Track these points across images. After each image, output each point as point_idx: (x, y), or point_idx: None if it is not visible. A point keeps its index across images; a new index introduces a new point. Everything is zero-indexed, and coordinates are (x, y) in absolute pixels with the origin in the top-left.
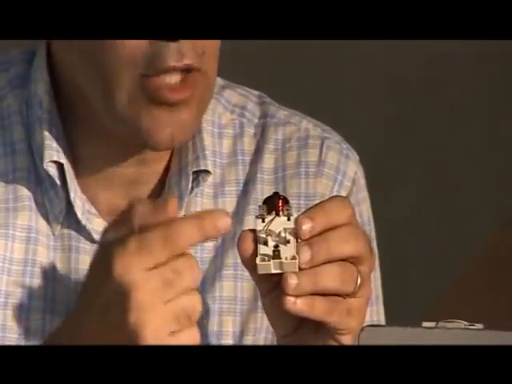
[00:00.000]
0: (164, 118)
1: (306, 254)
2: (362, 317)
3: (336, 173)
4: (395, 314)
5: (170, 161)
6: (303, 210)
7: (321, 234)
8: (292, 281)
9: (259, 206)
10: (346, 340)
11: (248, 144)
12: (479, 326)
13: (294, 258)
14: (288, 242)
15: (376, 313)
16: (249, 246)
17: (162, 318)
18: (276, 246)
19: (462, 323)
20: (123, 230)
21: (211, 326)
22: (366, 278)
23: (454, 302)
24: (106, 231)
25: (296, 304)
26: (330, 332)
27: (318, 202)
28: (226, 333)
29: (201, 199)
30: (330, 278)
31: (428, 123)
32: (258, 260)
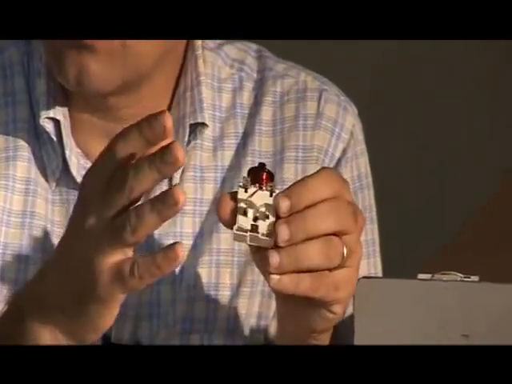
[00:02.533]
0: (69, 57)
1: (283, 233)
2: (352, 285)
3: (334, 125)
4: (392, 266)
5: None
6: (301, 162)
7: (301, 211)
8: (274, 259)
9: (243, 177)
10: (336, 308)
11: (247, 98)
12: (475, 278)
13: (270, 235)
14: (267, 217)
15: (373, 265)
16: (226, 211)
17: (98, 237)
18: (255, 220)
19: (458, 275)
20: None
21: (209, 277)
22: (353, 247)
23: (450, 254)
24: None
25: (280, 281)
26: (320, 303)
27: (315, 154)
28: (223, 285)
29: (200, 153)
30: (313, 254)
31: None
32: (234, 229)
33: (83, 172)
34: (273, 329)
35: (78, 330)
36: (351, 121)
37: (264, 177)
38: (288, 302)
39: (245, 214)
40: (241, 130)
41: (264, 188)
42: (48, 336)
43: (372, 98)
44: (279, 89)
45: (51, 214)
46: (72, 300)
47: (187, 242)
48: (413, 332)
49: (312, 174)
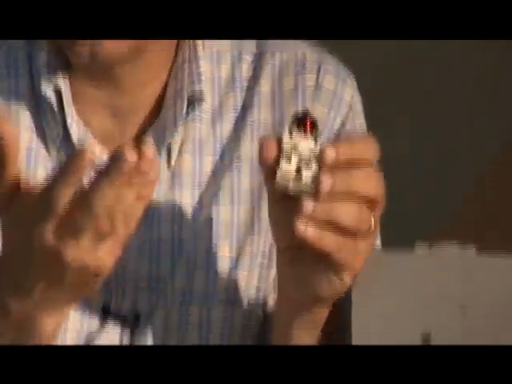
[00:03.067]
0: None
1: (327, 182)
2: (364, 260)
3: (333, 97)
4: (390, 238)
5: (165, 86)
6: None
7: (345, 168)
8: (308, 206)
9: (290, 122)
10: (346, 276)
11: (246, 70)
12: (473, 250)
13: (313, 183)
14: (311, 165)
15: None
16: (271, 155)
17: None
18: (298, 168)
19: (456, 248)
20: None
21: (208, 250)
22: (376, 223)
23: (450, 226)
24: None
25: (307, 231)
26: (331, 266)
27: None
28: (222, 257)
29: (199, 125)
30: (347, 213)
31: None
32: (278, 175)
33: (84, 142)
34: (272, 302)
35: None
36: (350, 93)
37: (308, 124)
38: (293, 261)
39: (288, 160)
40: (240, 102)
41: (308, 136)
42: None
43: (372, 97)
44: (278, 61)
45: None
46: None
47: (186, 214)
48: (411, 304)
49: (356, 137)
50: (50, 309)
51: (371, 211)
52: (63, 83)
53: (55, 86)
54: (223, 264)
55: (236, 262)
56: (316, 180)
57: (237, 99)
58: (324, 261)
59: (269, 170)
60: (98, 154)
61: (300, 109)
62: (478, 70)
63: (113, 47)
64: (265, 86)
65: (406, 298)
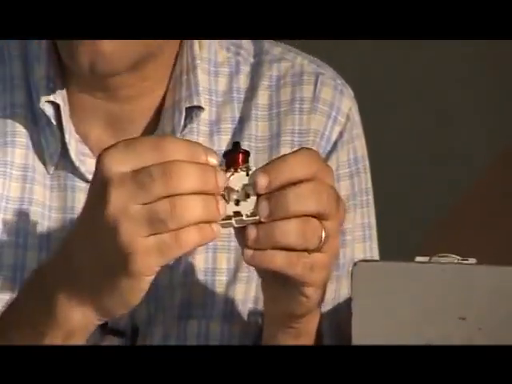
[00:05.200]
0: (82, 41)
1: (264, 209)
2: (327, 271)
3: (330, 109)
4: (389, 249)
5: (164, 98)
6: (297, 146)
7: (280, 188)
8: (251, 233)
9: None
10: (310, 291)
11: (243, 82)
12: (472, 260)
13: (254, 214)
14: (248, 196)
15: (369, 249)
16: None
17: (134, 219)
18: (237, 202)
19: (455, 258)
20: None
21: (206, 262)
22: (332, 234)
23: (446, 237)
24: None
25: (254, 257)
26: (294, 283)
27: (311, 138)
28: (220, 270)
29: (197, 137)
30: (290, 233)
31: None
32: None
33: (82, 157)
34: None
35: (108, 305)
36: (348, 104)
37: (240, 159)
38: (267, 283)
39: (226, 200)
40: (237, 114)
41: (239, 169)
42: (79, 314)
43: (372, 98)
44: (275, 72)
45: (49, 200)
46: (104, 275)
47: None
48: (410, 315)
49: (291, 152)
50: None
51: (319, 224)
52: (61, 96)
53: (54, 100)
54: (221, 277)
55: (234, 275)
56: (255, 209)
57: (234, 111)
58: (287, 281)
59: None
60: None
61: (297, 121)
62: (482, 68)
63: (115, 61)
64: (262, 97)
65: (406, 310)
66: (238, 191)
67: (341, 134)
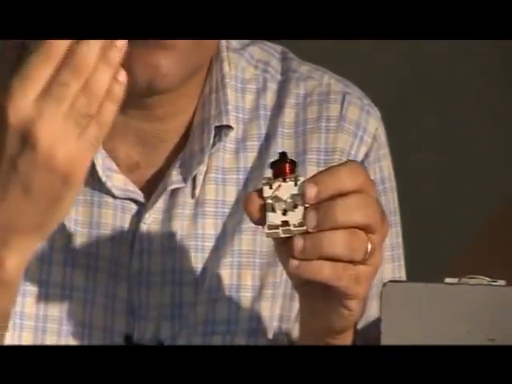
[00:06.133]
0: (141, 56)
1: (312, 220)
2: (369, 284)
3: (356, 128)
4: (417, 269)
5: (193, 116)
6: (322, 165)
7: (329, 199)
8: (298, 244)
9: (263, 177)
10: (353, 304)
11: (270, 99)
12: (502, 282)
13: (301, 224)
14: (296, 207)
15: (398, 269)
16: (255, 209)
17: (61, 123)
18: (284, 212)
19: (485, 279)
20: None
21: (230, 279)
22: (377, 247)
23: (476, 258)
24: None
25: (299, 267)
26: (337, 295)
27: (337, 157)
28: (244, 286)
29: (223, 154)
30: (337, 243)
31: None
32: (266, 229)
33: (108, 172)
34: (296, 331)
35: (45, 220)
36: (374, 124)
37: (287, 169)
38: (306, 297)
39: (273, 210)
40: (263, 131)
41: (288, 179)
42: (16, 237)
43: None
44: (302, 91)
45: (75, 214)
46: (37, 196)
47: (209, 244)
48: (439, 336)
49: (338, 164)
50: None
51: (365, 236)
52: None
53: None
54: (246, 293)
55: (259, 292)
56: (303, 219)
57: (260, 128)
58: (329, 294)
59: (257, 221)
60: (123, 184)
61: (323, 140)
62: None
63: (172, 77)
64: (289, 115)
65: (435, 331)
66: (285, 201)
67: (367, 155)
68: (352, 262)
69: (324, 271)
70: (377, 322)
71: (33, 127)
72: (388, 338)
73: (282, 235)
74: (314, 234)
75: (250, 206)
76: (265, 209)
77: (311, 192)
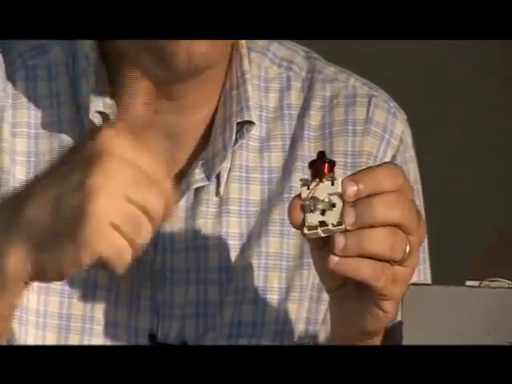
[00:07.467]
0: (178, 44)
1: (350, 217)
2: (405, 286)
3: (383, 131)
4: (441, 272)
5: (215, 113)
6: (349, 168)
7: (367, 197)
8: (339, 241)
9: (300, 179)
10: (388, 306)
11: (295, 98)
12: None
13: (339, 223)
14: (334, 206)
15: (423, 272)
16: (298, 215)
17: (113, 204)
18: (322, 212)
19: (506, 282)
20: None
21: (257, 281)
22: (415, 248)
23: (498, 260)
24: None
25: (339, 263)
26: (372, 296)
27: (364, 160)
28: (271, 289)
29: (246, 153)
30: (379, 242)
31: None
32: (305, 230)
33: None
34: (322, 335)
35: (44, 264)
36: (401, 127)
37: (325, 168)
38: (340, 300)
39: (311, 210)
40: (288, 131)
41: (324, 179)
42: (12, 262)
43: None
44: (328, 93)
45: None
46: (54, 235)
47: (233, 242)
48: (461, 339)
49: (377, 165)
50: None
51: (405, 236)
52: (111, 107)
53: (104, 111)
54: (272, 296)
55: (285, 295)
56: (341, 218)
57: (285, 128)
58: (364, 295)
59: (299, 227)
60: None
61: (350, 143)
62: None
63: (210, 55)
64: (315, 118)
65: (456, 334)
66: (323, 201)
67: (394, 157)
68: (391, 261)
69: (364, 269)
70: (398, 325)
71: (117, 163)
72: (410, 341)
73: (323, 235)
74: (354, 231)
75: (293, 213)
76: (303, 210)
77: (351, 190)
